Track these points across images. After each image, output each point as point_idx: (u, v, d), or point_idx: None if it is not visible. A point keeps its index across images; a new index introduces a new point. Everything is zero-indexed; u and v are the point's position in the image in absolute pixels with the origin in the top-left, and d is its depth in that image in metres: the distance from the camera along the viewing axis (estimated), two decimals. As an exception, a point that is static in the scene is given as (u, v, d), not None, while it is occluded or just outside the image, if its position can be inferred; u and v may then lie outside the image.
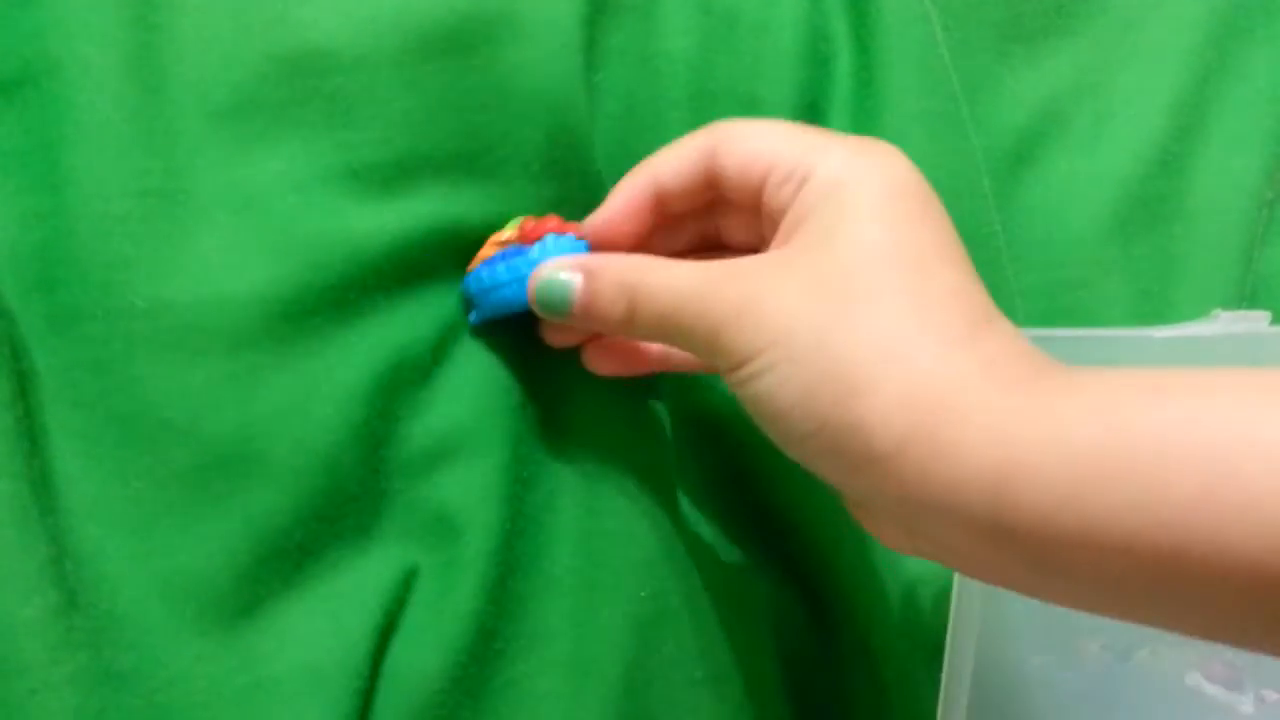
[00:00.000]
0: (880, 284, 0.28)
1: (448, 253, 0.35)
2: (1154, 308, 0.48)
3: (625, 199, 0.34)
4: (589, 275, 0.32)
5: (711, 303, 0.29)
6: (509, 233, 0.35)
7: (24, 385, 0.31)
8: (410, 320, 0.35)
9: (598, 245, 0.34)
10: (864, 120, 0.43)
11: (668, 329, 0.31)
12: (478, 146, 0.35)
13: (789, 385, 0.28)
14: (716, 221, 0.35)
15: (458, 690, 0.34)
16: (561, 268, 0.33)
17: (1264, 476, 0.22)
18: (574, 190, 0.36)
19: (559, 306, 0.33)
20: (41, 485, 0.30)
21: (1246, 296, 0.49)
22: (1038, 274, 0.46)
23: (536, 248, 0.34)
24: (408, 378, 0.35)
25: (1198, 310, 0.48)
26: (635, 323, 0.31)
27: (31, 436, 0.30)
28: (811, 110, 0.43)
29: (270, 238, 0.33)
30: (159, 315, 0.32)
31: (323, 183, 0.33)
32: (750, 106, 0.41)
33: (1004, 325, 0.28)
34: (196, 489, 0.32)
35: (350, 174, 0.33)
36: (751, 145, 0.32)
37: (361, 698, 0.32)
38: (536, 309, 0.33)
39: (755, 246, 0.34)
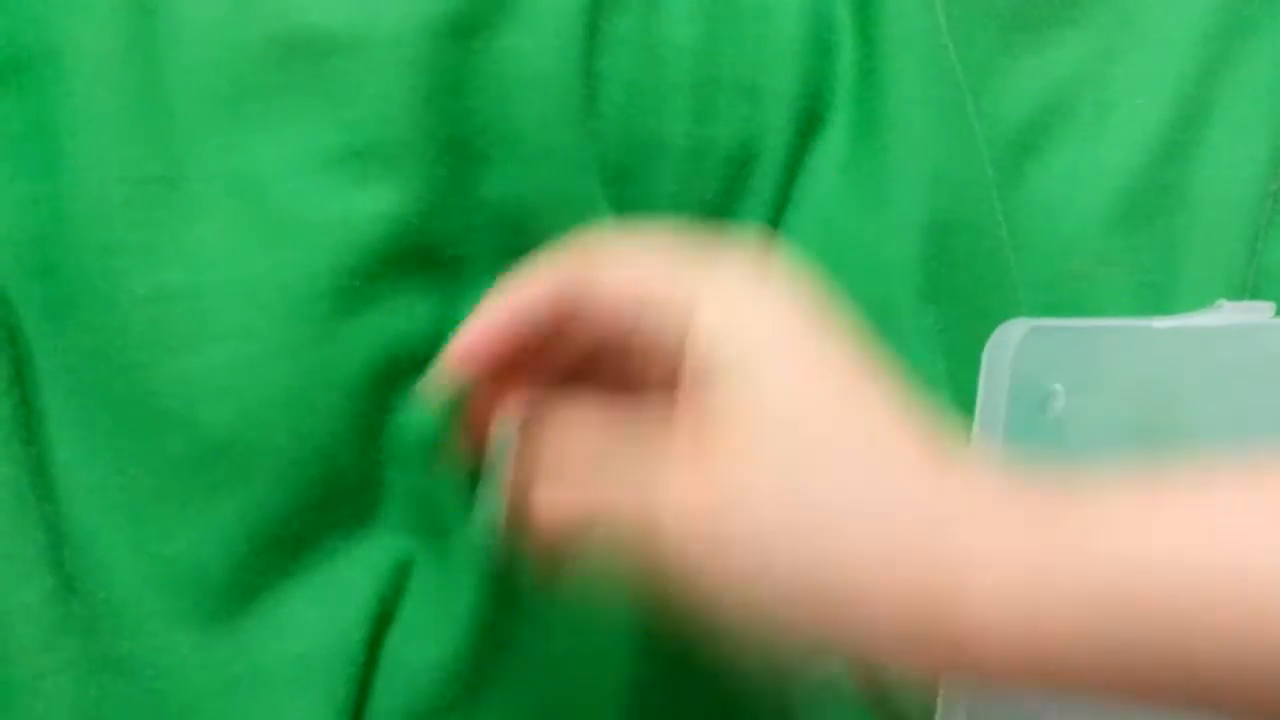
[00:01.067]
0: (820, 466, 0.25)
1: (446, 238, 0.35)
2: (1157, 299, 0.48)
3: (470, 340, 0.31)
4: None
5: (669, 561, 0.26)
6: None
7: (20, 371, 0.31)
8: (410, 309, 0.34)
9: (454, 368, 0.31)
10: (868, 108, 0.43)
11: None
12: (471, 129, 0.34)
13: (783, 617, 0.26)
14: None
15: (456, 681, 0.34)
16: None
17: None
18: (568, 177, 0.36)
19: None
20: (38, 472, 0.30)
21: (1250, 287, 0.49)
22: (1041, 265, 0.46)
23: None
24: (406, 368, 0.35)
25: (1201, 301, 0.48)
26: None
27: (28, 423, 0.30)
28: (816, 98, 0.43)
29: (269, 224, 0.33)
30: (157, 302, 0.31)
31: (323, 166, 0.33)
32: (753, 95, 0.41)
33: (951, 447, 0.26)
34: (193, 477, 0.31)
35: (352, 154, 0.33)
36: (600, 324, 0.29)
37: (357, 687, 0.32)
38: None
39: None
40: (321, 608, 0.33)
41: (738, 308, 0.27)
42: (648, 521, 0.26)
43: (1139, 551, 0.23)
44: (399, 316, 0.34)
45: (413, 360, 0.35)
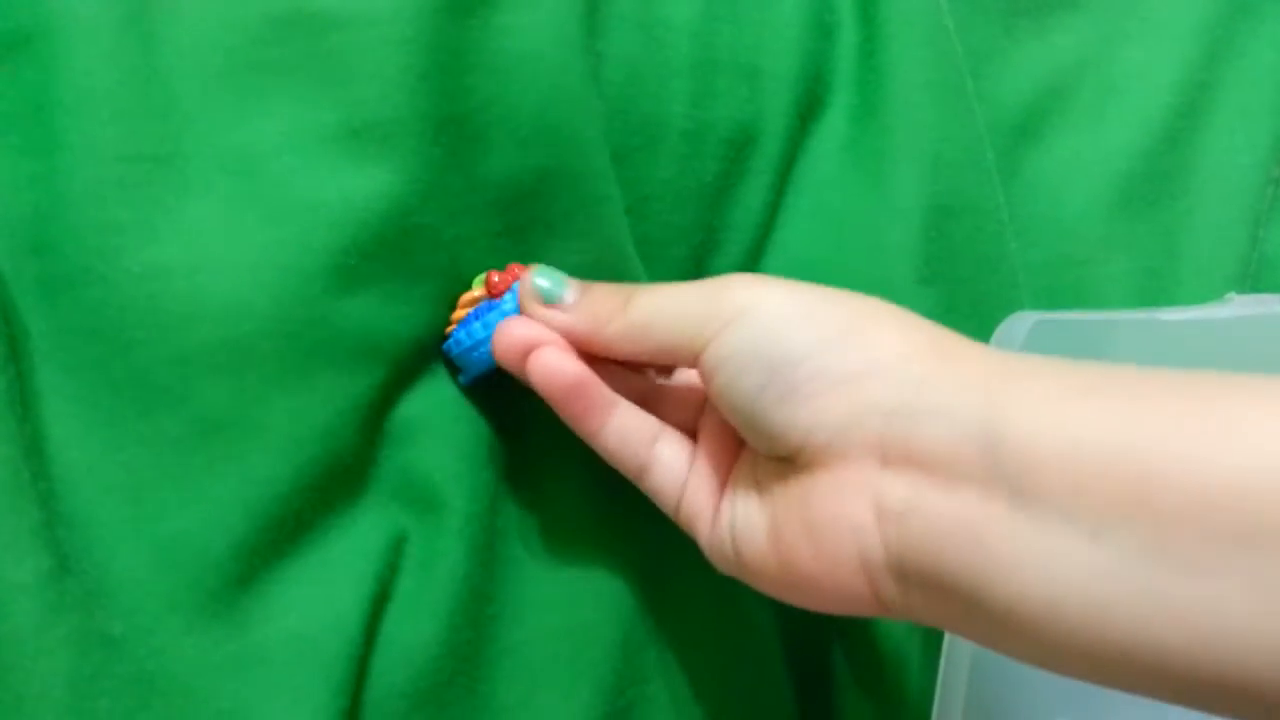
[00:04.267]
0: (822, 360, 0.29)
1: (444, 216, 0.35)
2: (1158, 285, 0.48)
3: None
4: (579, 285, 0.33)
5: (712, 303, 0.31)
6: (477, 290, 0.35)
7: (16, 349, 0.30)
8: (409, 289, 0.34)
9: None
10: (868, 91, 0.43)
11: (662, 323, 0.31)
12: (469, 108, 0.34)
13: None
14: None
15: (454, 657, 0.34)
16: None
17: None
18: (567, 158, 0.36)
19: (554, 290, 0.33)
20: (33, 450, 0.30)
21: (1251, 274, 0.49)
22: (1040, 250, 0.46)
23: (508, 298, 0.34)
24: (407, 349, 0.35)
25: (1202, 288, 0.48)
26: (629, 314, 0.32)
27: (24, 401, 0.30)
28: (816, 81, 0.42)
29: (267, 202, 0.32)
30: (153, 280, 0.31)
31: (320, 143, 0.33)
32: (753, 77, 0.41)
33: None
34: (191, 456, 0.31)
35: (349, 132, 0.33)
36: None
37: (355, 665, 0.32)
38: (528, 299, 0.33)
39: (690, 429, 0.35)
40: (318, 587, 0.33)
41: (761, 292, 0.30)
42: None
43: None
44: (398, 297, 0.34)
45: (412, 340, 0.35)
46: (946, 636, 0.39)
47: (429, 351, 0.35)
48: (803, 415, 0.29)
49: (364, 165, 0.33)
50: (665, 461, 0.34)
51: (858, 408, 0.28)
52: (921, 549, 0.27)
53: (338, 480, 0.33)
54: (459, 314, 0.35)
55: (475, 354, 0.34)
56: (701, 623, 0.38)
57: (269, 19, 0.33)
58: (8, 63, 0.32)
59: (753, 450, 0.32)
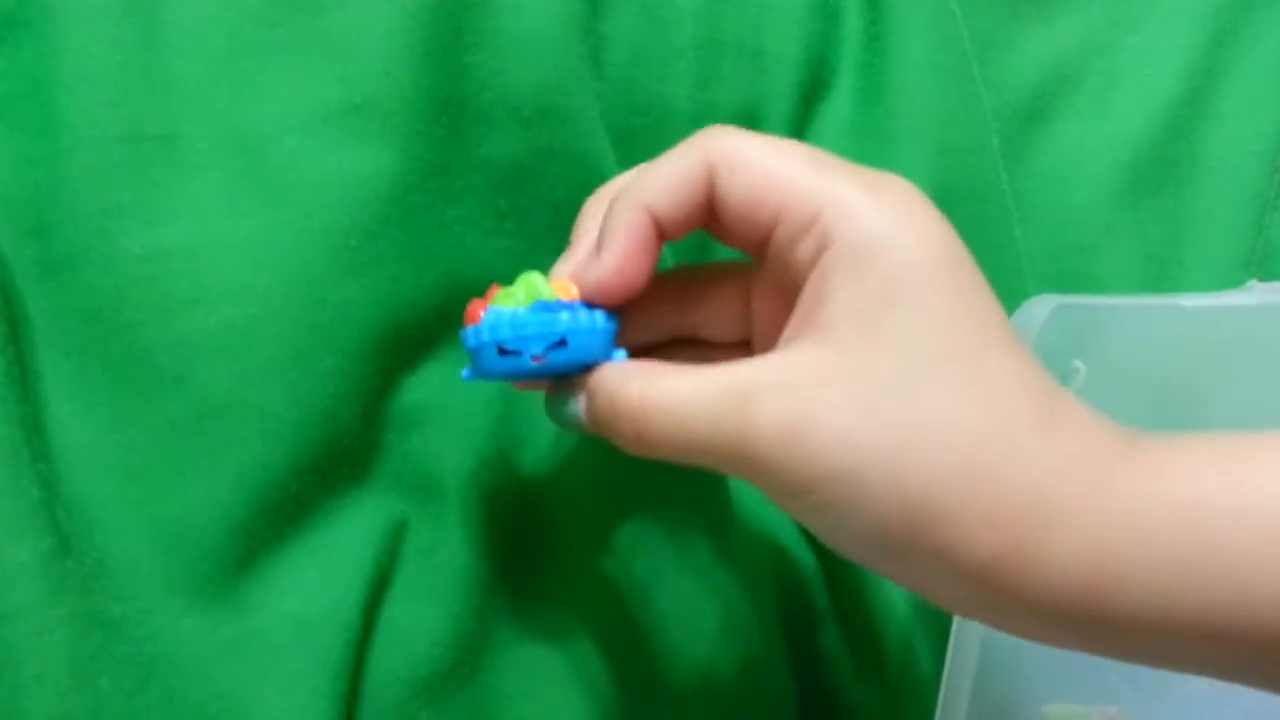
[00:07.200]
0: (945, 389, 0.25)
1: (446, 196, 0.34)
2: (1163, 272, 0.47)
3: (625, 243, 0.28)
4: (588, 395, 0.29)
5: (748, 427, 0.25)
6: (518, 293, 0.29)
7: (16, 331, 0.30)
8: (411, 271, 0.34)
9: (595, 299, 0.29)
10: (873, 74, 0.42)
11: (691, 454, 0.27)
12: (471, 88, 0.34)
13: (857, 520, 0.25)
14: (695, 315, 0.32)
15: (455, 645, 0.34)
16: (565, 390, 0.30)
17: None
18: (569, 138, 0.35)
19: (570, 427, 0.30)
20: (34, 431, 0.30)
21: (1256, 262, 0.48)
22: (1046, 236, 0.46)
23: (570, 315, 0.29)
24: (411, 334, 0.34)
25: (1207, 275, 0.48)
26: (649, 447, 0.27)
27: (24, 382, 0.30)
28: (820, 63, 0.42)
29: (267, 182, 0.32)
30: (153, 262, 0.31)
31: (322, 121, 0.33)
32: (757, 59, 0.40)
33: (1069, 405, 0.26)
34: (191, 438, 0.31)
35: (351, 109, 0.33)
36: (757, 177, 0.27)
37: (354, 650, 0.32)
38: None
39: (741, 340, 0.31)
40: (318, 571, 0.32)
41: (884, 224, 0.26)
42: (740, 399, 0.25)
43: (1214, 494, 0.24)
44: (400, 279, 0.34)
45: (418, 326, 0.34)
46: (954, 625, 0.38)
47: (433, 336, 0.35)
48: None
49: (365, 145, 0.33)
50: None
51: None
52: None
53: (338, 465, 0.33)
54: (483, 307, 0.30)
55: (511, 362, 0.29)
56: (703, 612, 0.38)
57: None
58: (8, 42, 0.32)
59: None
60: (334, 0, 0.33)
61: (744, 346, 0.31)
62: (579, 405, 0.29)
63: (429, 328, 0.35)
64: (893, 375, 0.25)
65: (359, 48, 0.33)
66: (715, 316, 0.32)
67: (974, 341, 0.25)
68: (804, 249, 0.27)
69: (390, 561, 0.34)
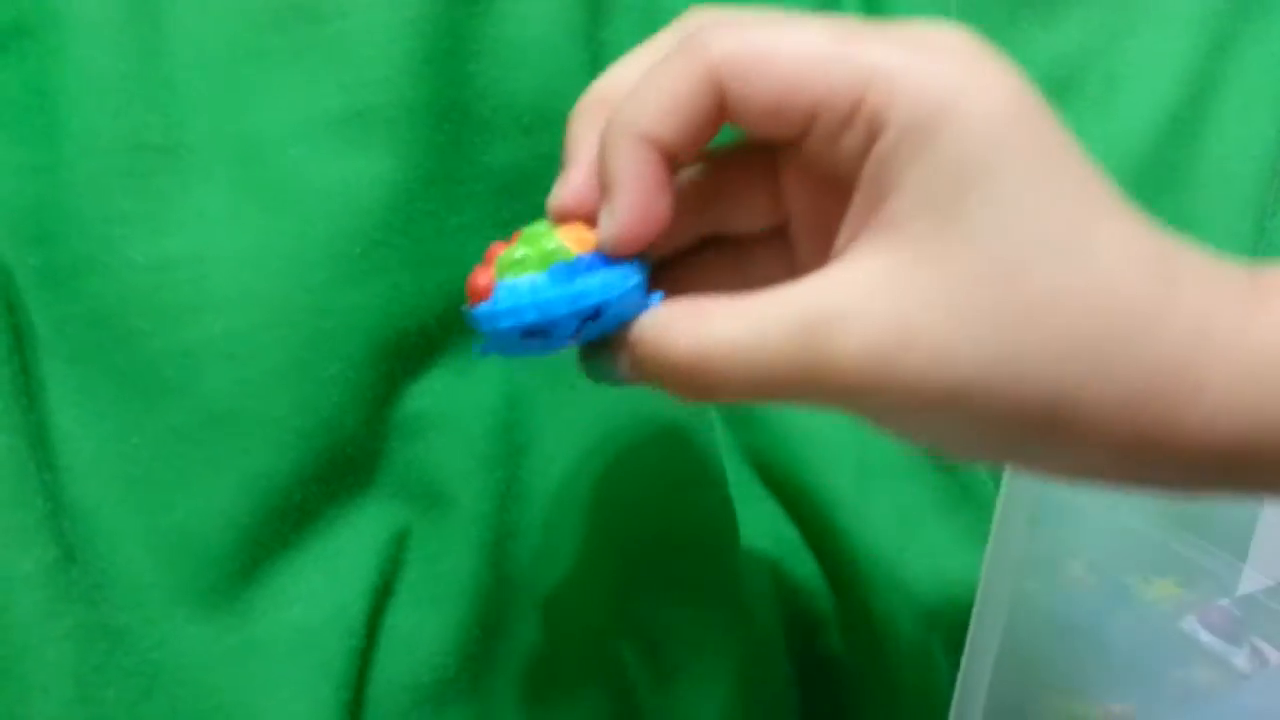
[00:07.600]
0: (1052, 277, 0.21)
1: (448, 204, 0.34)
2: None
3: (636, 190, 0.24)
4: (631, 352, 0.24)
5: (828, 363, 0.22)
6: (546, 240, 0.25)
7: (20, 340, 0.30)
8: (414, 279, 0.34)
9: (619, 254, 0.25)
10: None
11: (760, 396, 0.23)
12: (473, 95, 0.34)
13: (970, 433, 0.23)
14: (718, 211, 0.28)
15: (459, 654, 0.33)
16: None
17: None
18: None
19: (612, 384, 0.26)
20: (38, 440, 0.30)
21: (1257, 265, 0.49)
22: None
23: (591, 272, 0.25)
24: (414, 341, 0.34)
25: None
26: (710, 394, 0.23)
27: (28, 391, 0.30)
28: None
29: (270, 190, 0.32)
30: (157, 271, 0.31)
31: (325, 129, 0.33)
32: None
33: (1187, 258, 0.23)
34: (194, 446, 0.31)
35: (354, 116, 0.33)
36: (775, 80, 0.23)
37: (357, 658, 0.32)
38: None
39: (775, 228, 0.28)
40: (321, 579, 0.33)
41: (944, 90, 0.22)
42: (811, 334, 0.22)
43: None
44: (403, 286, 0.34)
45: (420, 334, 0.34)
46: (970, 630, 0.38)
47: (436, 343, 0.35)
48: None
49: (367, 152, 0.33)
50: None
51: None
52: None
53: (342, 473, 0.33)
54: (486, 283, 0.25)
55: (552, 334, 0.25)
56: (709, 623, 0.38)
57: (271, 7, 0.33)
58: (11, 51, 0.32)
59: None
60: (336, 9, 0.33)
61: (780, 236, 0.28)
62: (621, 363, 0.25)
63: (432, 335, 0.35)
64: (987, 271, 0.21)
65: (361, 55, 0.33)
66: (741, 207, 0.27)
67: (1074, 214, 0.22)
68: (850, 140, 0.23)
69: (393, 569, 0.34)
